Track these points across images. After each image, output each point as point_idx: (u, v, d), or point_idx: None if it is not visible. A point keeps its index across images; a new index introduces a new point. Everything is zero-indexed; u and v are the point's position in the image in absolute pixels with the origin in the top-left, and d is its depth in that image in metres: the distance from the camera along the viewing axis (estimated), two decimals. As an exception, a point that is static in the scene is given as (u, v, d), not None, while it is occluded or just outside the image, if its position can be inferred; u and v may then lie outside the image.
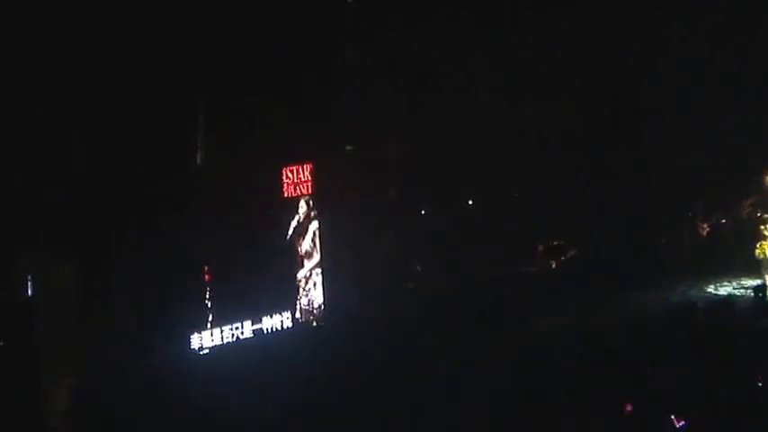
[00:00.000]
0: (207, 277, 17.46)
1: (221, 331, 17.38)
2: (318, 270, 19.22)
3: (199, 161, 18.19)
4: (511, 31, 22.84)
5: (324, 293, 19.30)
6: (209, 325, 17.22)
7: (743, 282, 21.61)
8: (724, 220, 23.86)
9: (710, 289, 21.63)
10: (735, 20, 23.60)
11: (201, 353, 16.99)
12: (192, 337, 16.92)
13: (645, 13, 23.84)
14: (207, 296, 17.34)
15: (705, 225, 23.90)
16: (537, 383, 14.97)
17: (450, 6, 22.11)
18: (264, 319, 18.14)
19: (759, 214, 21.86)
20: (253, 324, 17.93)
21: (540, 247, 23.68)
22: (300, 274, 19.02)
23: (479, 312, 19.89)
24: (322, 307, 19.32)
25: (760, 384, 13.63)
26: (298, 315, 18.88)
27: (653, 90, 24.48)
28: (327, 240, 19.30)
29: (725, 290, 21.46)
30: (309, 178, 18.89)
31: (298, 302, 18.93)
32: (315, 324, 19.22)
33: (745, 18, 23.58)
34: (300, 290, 18.99)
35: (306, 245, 19.07)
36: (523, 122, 23.39)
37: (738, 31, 23.71)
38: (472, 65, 22.85)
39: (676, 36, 24.30)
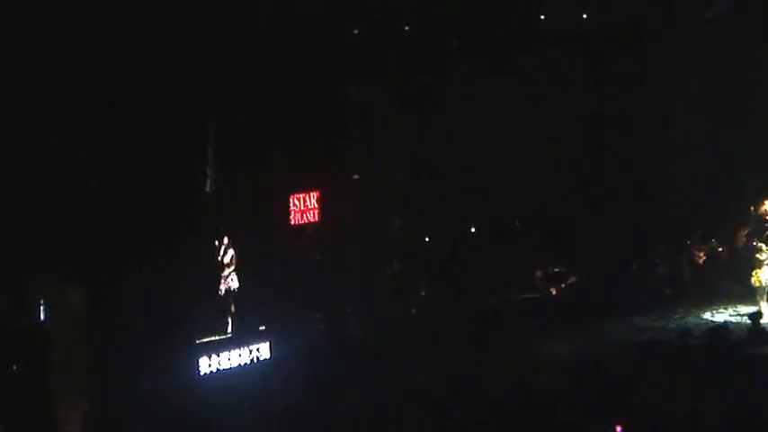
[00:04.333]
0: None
1: (229, 355, 17.71)
2: (324, 295, 19.60)
3: (209, 188, 18.56)
4: (514, 58, 23.19)
5: (328, 318, 19.65)
6: (217, 348, 17.57)
7: (738, 309, 21.84)
8: (721, 249, 24.06)
9: (707, 316, 21.80)
10: (734, 51, 23.93)
11: (211, 376, 17.30)
12: (201, 360, 17.24)
13: (644, 43, 24.22)
14: (216, 319, 17.71)
15: (702, 253, 24.10)
16: (533, 408, 15.18)
17: (454, 36, 22.48)
18: (269, 343, 18.48)
19: (755, 243, 22.03)
20: (258, 349, 18.27)
21: (540, 274, 23.91)
22: (306, 300, 19.36)
23: (479, 337, 20.23)
24: (326, 331, 19.65)
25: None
26: (303, 339, 19.22)
27: (652, 120, 24.81)
28: (333, 267, 19.64)
29: (721, 317, 21.65)
30: (316, 206, 19.29)
31: (303, 327, 19.27)
32: (319, 347, 19.56)
33: (746, 50, 23.90)
34: (306, 314, 19.33)
35: (312, 271, 19.45)
36: (523, 150, 23.77)
37: (738, 63, 24.04)
38: (475, 93, 23.17)
39: (677, 67, 24.63)
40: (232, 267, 18.26)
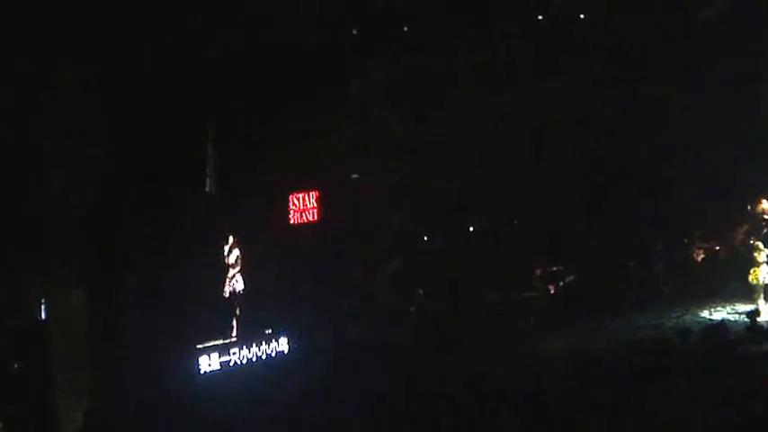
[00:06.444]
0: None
1: (229, 353, 17.75)
2: (324, 294, 19.63)
3: (208, 188, 18.58)
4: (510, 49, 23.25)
5: (329, 318, 19.69)
6: (216, 347, 17.60)
7: (737, 307, 21.89)
8: (719, 247, 24.10)
9: (705, 314, 21.85)
10: (734, 51, 23.96)
11: (212, 374, 17.31)
12: (201, 358, 17.25)
13: (645, 42, 24.25)
14: (220, 321, 17.74)
15: (700, 252, 24.15)
16: (534, 408, 15.24)
17: (452, 34, 22.52)
18: (270, 343, 18.52)
19: (752, 241, 22.11)
20: (259, 348, 18.31)
21: (539, 273, 23.94)
22: (306, 298, 19.40)
23: (477, 335, 20.29)
24: (326, 330, 19.69)
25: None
26: (303, 339, 19.26)
27: (651, 119, 24.85)
28: (333, 267, 19.69)
29: (719, 315, 21.70)
30: (315, 205, 19.32)
31: (303, 326, 19.31)
32: (319, 346, 19.60)
33: (745, 52, 23.93)
34: (306, 313, 19.37)
35: (311, 270, 19.46)
36: (522, 150, 23.81)
37: (737, 64, 24.06)
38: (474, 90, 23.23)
39: (676, 66, 24.66)
40: (237, 268, 18.23)
